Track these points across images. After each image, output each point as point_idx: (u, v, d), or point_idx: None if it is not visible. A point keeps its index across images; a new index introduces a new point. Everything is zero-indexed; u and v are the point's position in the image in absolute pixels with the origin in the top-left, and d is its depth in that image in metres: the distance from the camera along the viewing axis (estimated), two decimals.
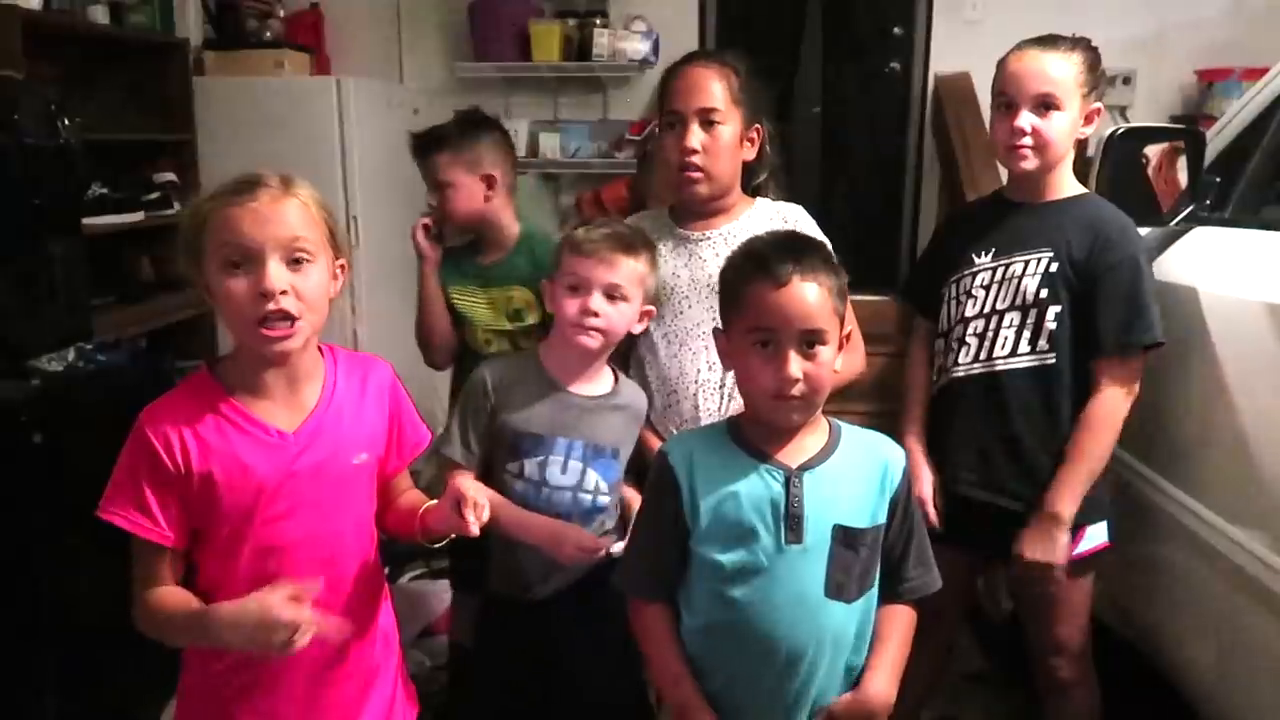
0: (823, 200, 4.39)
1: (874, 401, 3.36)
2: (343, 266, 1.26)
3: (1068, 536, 1.62)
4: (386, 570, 1.45)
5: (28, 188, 2.20)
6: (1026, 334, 1.66)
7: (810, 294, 1.21)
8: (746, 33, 4.25)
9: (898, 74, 4.31)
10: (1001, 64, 1.68)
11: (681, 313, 1.73)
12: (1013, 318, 1.67)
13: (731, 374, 1.52)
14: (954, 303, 1.75)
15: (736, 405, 1.59)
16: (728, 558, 1.24)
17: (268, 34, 3.85)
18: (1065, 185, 1.71)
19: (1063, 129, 1.64)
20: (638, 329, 1.63)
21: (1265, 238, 1.70)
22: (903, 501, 1.30)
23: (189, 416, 1.19)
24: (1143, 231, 1.73)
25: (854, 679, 1.30)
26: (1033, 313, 1.66)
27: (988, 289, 1.70)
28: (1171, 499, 1.74)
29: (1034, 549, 1.62)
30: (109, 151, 3.07)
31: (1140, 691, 1.91)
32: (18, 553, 1.96)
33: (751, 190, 1.81)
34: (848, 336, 1.27)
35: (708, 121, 1.68)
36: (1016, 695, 2.26)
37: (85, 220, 2.58)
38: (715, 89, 1.69)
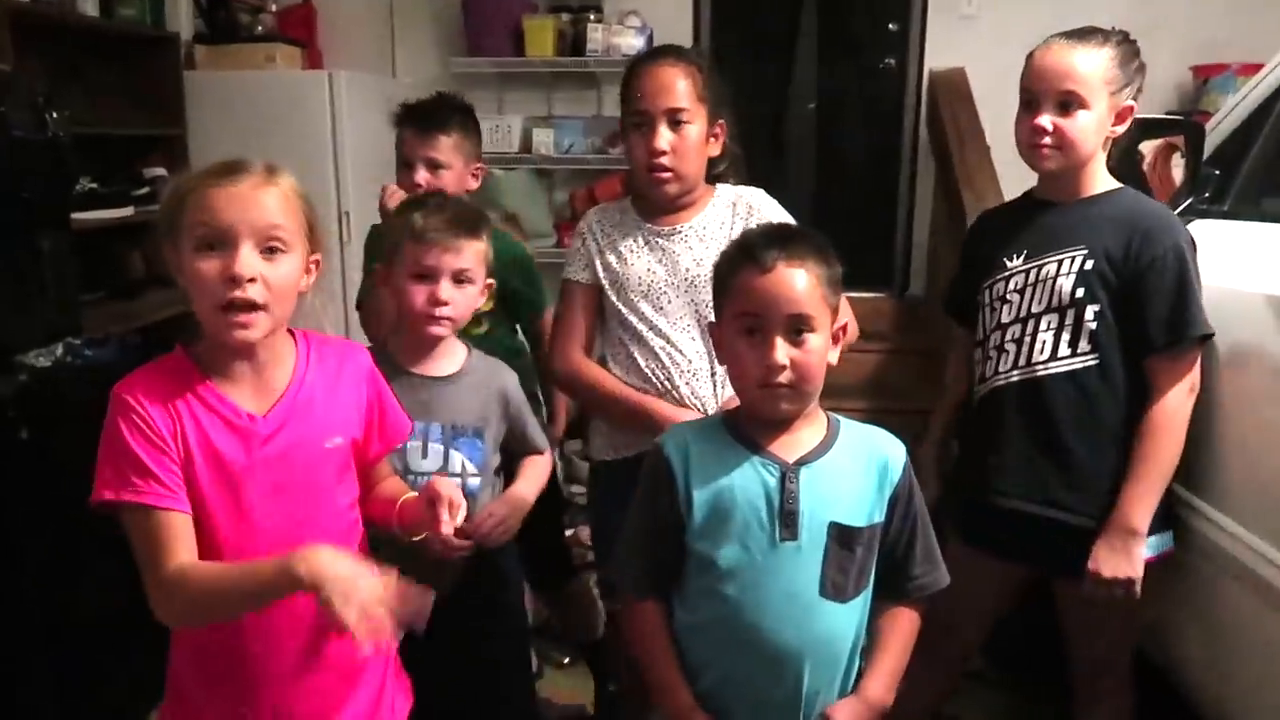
0: (818, 196, 4.39)
1: (870, 398, 3.37)
2: (316, 262, 1.24)
3: (1144, 549, 1.56)
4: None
5: (15, 182, 2.17)
6: (1066, 336, 1.60)
7: (796, 280, 1.21)
8: (741, 28, 4.25)
9: (893, 70, 4.30)
10: (1029, 58, 1.62)
11: (662, 307, 1.74)
12: (1050, 320, 1.61)
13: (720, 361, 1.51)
14: (989, 309, 1.70)
15: (730, 391, 1.63)
16: (721, 553, 1.23)
17: (259, 28, 3.84)
18: (1098, 182, 1.64)
19: (1087, 127, 1.57)
20: (481, 304, 1.64)
21: (1265, 230, 1.70)
22: (904, 498, 1.28)
23: (164, 393, 1.16)
24: None
25: (854, 683, 1.29)
26: (1070, 313, 1.59)
27: (1022, 292, 1.64)
28: (1173, 496, 1.72)
29: (1112, 566, 1.55)
30: (99, 146, 3.04)
31: (1146, 697, 1.90)
32: (5, 550, 1.93)
33: (712, 179, 1.81)
34: (843, 328, 1.27)
35: (675, 121, 1.68)
36: (1015, 693, 2.25)
37: (74, 215, 2.55)
38: (681, 88, 1.68)
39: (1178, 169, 1.97)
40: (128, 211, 3.03)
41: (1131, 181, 1.78)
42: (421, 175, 1.93)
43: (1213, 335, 1.56)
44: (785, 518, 1.22)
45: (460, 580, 1.50)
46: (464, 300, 1.55)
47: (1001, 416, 1.66)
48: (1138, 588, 1.55)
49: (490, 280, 1.61)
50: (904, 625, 1.32)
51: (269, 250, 1.16)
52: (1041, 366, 1.62)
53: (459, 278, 1.53)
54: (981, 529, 1.67)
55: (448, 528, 1.21)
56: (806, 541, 1.22)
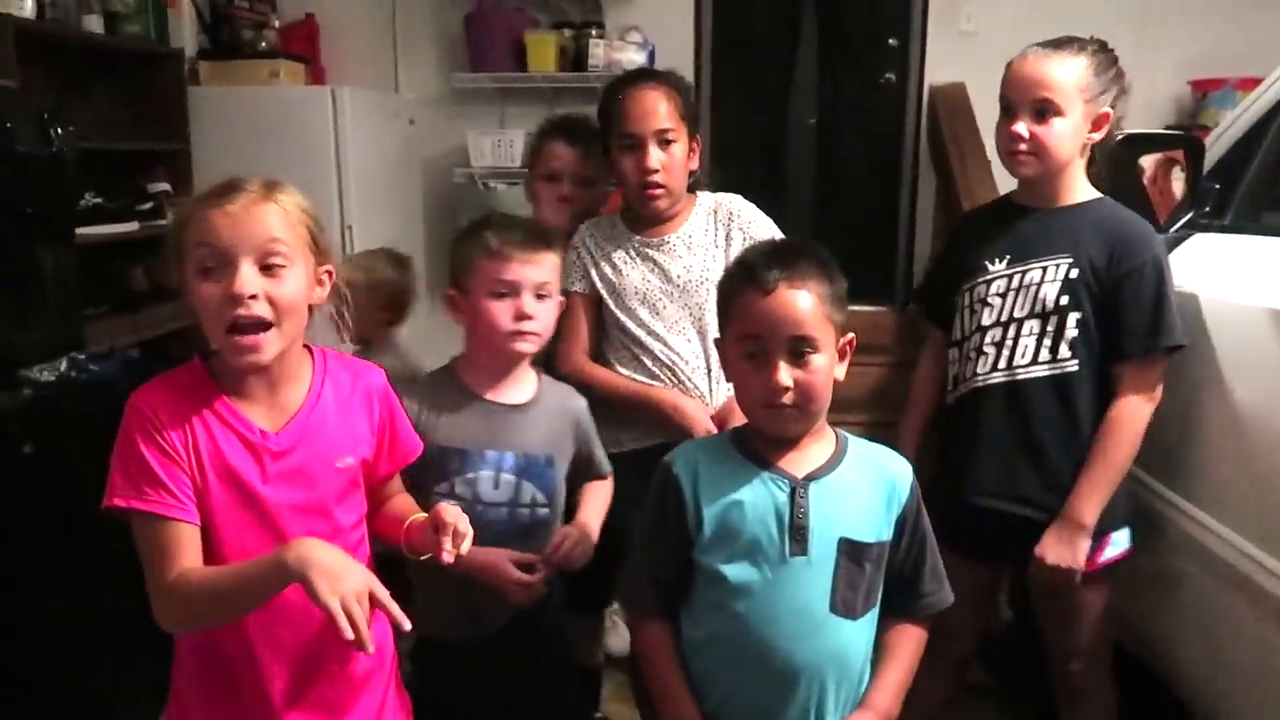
0: (818, 210, 4.40)
1: (872, 412, 3.36)
2: (328, 272, 1.24)
3: (1089, 543, 1.61)
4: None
5: (20, 196, 2.18)
6: (1047, 342, 1.63)
7: (798, 301, 1.20)
8: (742, 43, 4.26)
9: (893, 84, 4.31)
10: (1007, 67, 1.67)
11: (659, 312, 1.84)
12: (1032, 325, 1.64)
13: (717, 357, 1.55)
14: (968, 311, 1.72)
15: (728, 387, 1.71)
16: (730, 568, 1.22)
17: (263, 44, 3.85)
18: (1077, 190, 1.68)
19: (1063, 134, 1.61)
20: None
21: (1265, 244, 1.70)
22: (911, 518, 1.28)
23: (179, 405, 1.17)
24: None
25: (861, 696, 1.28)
26: (1053, 320, 1.63)
27: (1004, 296, 1.67)
28: (1173, 506, 1.73)
29: (1056, 554, 1.60)
30: (103, 161, 3.06)
31: (1144, 701, 1.89)
32: (8, 562, 1.93)
33: (688, 188, 1.90)
34: (850, 342, 1.26)
35: (664, 141, 1.79)
36: (1017, 708, 2.24)
37: (78, 230, 2.57)
38: (664, 110, 1.80)
39: (1178, 183, 1.98)
40: (131, 226, 3.04)
41: (1131, 195, 1.79)
42: (571, 189, 1.96)
43: (1185, 346, 1.60)
44: (795, 533, 1.21)
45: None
46: (546, 315, 1.50)
47: (980, 417, 1.69)
48: (1078, 578, 1.61)
49: (562, 297, 1.58)
50: (911, 640, 1.31)
51: (270, 266, 1.15)
52: (1023, 370, 1.65)
53: (539, 292, 1.48)
54: (957, 530, 1.69)
55: (449, 556, 1.20)
56: (816, 556, 1.22)
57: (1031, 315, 1.65)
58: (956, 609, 1.33)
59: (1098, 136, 1.66)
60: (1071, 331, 1.62)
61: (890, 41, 4.31)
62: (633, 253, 1.87)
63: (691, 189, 1.91)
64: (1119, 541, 1.66)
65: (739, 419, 1.38)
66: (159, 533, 1.13)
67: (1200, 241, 1.83)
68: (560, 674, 1.66)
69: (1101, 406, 1.63)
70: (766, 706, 1.24)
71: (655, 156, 1.78)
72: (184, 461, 1.15)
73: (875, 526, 1.25)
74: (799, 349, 1.20)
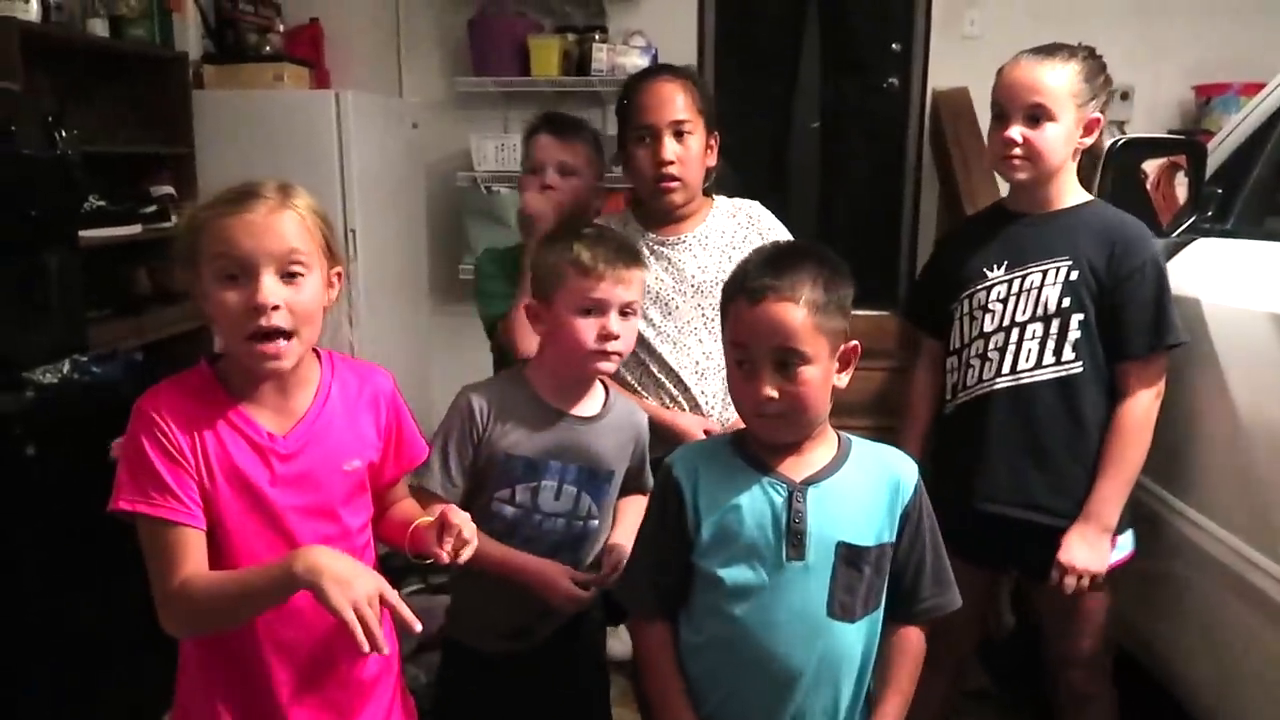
0: (821, 215, 4.40)
1: (874, 416, 3.36)
2: (339, 274, 1.25)
3: (1109, 546, 1.62)
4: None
5: (24, 199, 2.19)
6: (1051, 344, 1.64)
7: (785, 313, 1.17)
8: (744, 47, 4.26)
9: (896, 89, 4.31)
10: (998, 73, 1.69)
11: (671, 313, 1.80)
12: (1035, 329, 1.65)
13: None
14: (967, 319, 1.73)
15: None
16: (728, 572, 1.22)
17: (267, 48, 3.86)
18: (1069, 194, 1.70)
19: (1055, 139, 1.63)
20: None
21: (1268, 248, 1.70)
22: (915, 518, 1.27)
23: (187, 409, 1.17)
24: None
25: (862, 705, 1.28)
26: (1055, 323, 1.64)
27: (1005, 302, 1.68)
28: (1174, 510, 1.73)
29: (1083, 558, 1.60)
30: (107, 164, 3.06)
31: (1145, 705, 1.89)
32: (10, 566, 1.93)
33: (704, 192, 1.88)
34: (853, 350, 1.25)
35: (679, 133, 1.76)
36: (1019, 712, 2.24)
37: (82, 233, 2.58)
38: (680, 101, 1.77)
39: (1181, 188, 1.98)
40: (135, 229, 3.04)
41: (1133, 200, 1.80)
42: (552, 176, 1.88)
43: (1187, 343, 1.62)
44: (792, 537, 1.21)
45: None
46: (630, 333, 1.47)
47: (985, 423, 1.69)
48: (1101, 581, 1.62)
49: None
50: (912, 650, 1.30)
51: (290, 275, 1.16)
52: (1027, 374, 1.66)
53: (625, 310, 1.45)
54: (959, 535, 1.68)
55: (445, 558, 1.20)
56: (814, 561, 1.21)
57: (1034, 319, 1.65)
58: (957, 612, 1.33)
59: (1089, 141, 1.68)
60: (1074, 333, 1.63)
61: (893, 46, 4.31)
62: (646, 251, 1.80)
63: (708, 192, 1.88)
64: (1124, 545, 1.67)
65: None
66: (164, 537, 1.14)
67: (1203, 246, 1.83)
68: (597, 686, 1.66)
69: (1104, 407, 1.63)
70: (765, 709, 1.23)
71: (670, 148, 1.75)
72: (190, 466, 1.15)
73: (876, 529, 1.25)
74: (785, 361, 1.18)
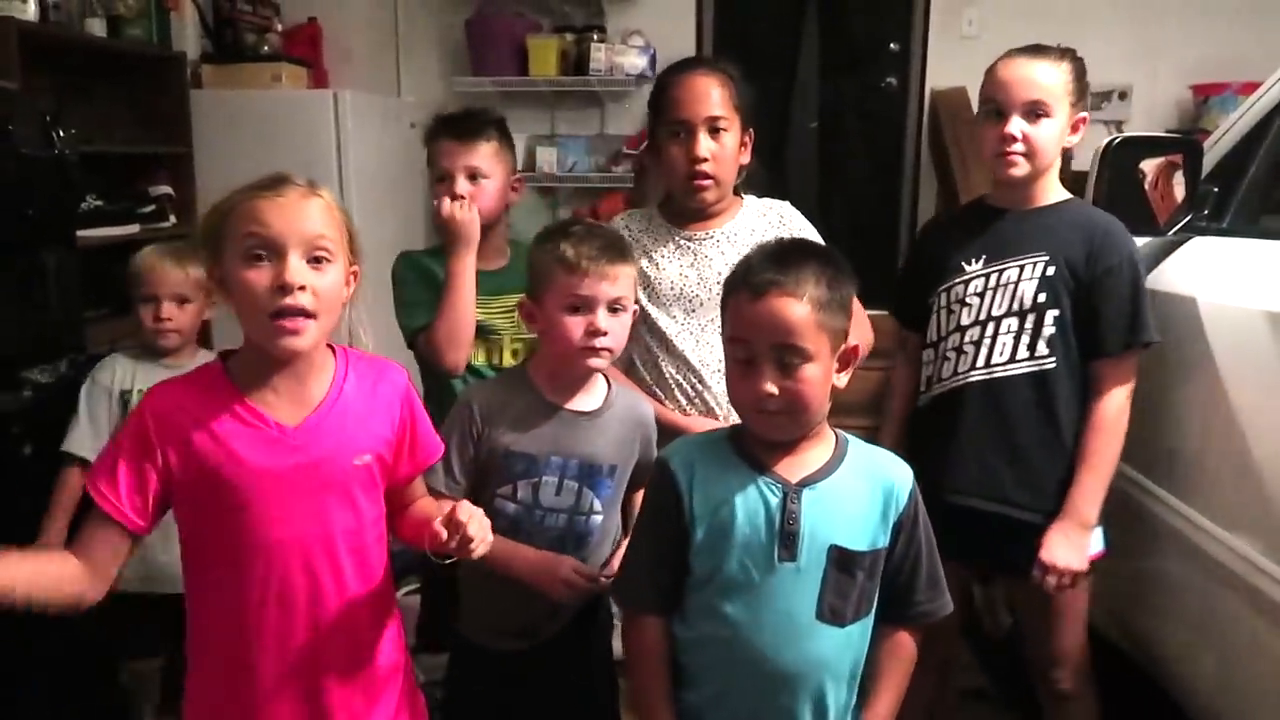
0: (819, 214, 4.39)
1: (873, 416, 3.35)
2: (355, 273, 1.26)
3: (1089, 543, 1.62)
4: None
5: (22, 198, 2.19)
6: (1025, 339, 1.65)
7: (788, 309, 1.16)
8: (743, 47, 4.28)
9: (894, 89, 4.33)
10: (990, 71, 1.68)
11: (694, 310, 1.78)
12: (1010, 323, 1.66)
13: None
14: (945, 312, 1.73)
15: None
16: (720, 571, 1.22)
17: (265, 48, 3.87)
18: (1051, 191, 1.71)
19: (1052, 136, 1.64)
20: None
21: (1263, 247, 1.70)
22: (909, 524, 1.26)
23: (190, 402, 1.18)
24: (1140, 242, 1.73)
25: (853, 708, 1.27)
26: (1030, 317, 1.65)
27: (982, 296, 1.68)
28: (1171, 508, 1.73)
29: (1065, 556, 1.60)
30: (105, 164, 3.07)
31: (1136, 701, 1.89)
32: None
33: (734, 190, 1.85)
34: (853, 350, 1.24)
35: (714, 129, 1.72)
36: (1015, 712, 2.24)
37: (80, 232, 2.57)
38: (717, 97, 1.72)
39: (1179, 187, 1.98)
40: (133, 229, 3.05)
41: (1129, 198, 1.80)
42: (462, 185, 1.78)
43: (1159, 342, 1.63)
44: (785, 538, 1.20)
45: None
46: (620, 329, 1.47)
47: (958, 416, 1.69)
48: (1081, 578, 1.62)
49: (635, 306, 1.53)
50: (904, 653, 1.30)
51: (315, 260, 1.17)
52: (1000, 368, 1.66)
53: (614, 306, 1.45)
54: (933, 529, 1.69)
55: (444, 536, 1.18)
56: (805, 563, 1.20)
57: (1010, 313, 1.66)
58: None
59: (1075, 140, 1.69)
60: (1049, 329, 1.64)
61: (892, 46, 4.32)
62: (673, 247, 1.79)
63: (738, 190, 1.84)
64: (1097, 541, 1.67)
65: None
66: (92, 519, 1.17)
67: (1199, 244, 1.83)
68: (607, 685, 1.65)
69: (1077, 403, 1.64)
70: (752, 707, 1.23)
71: (705, 145, 1.71)
72: (158, 468, 1.16)
73: (870, 534, 1.24)
74: (786, 358, 1.17)
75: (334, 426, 1.23)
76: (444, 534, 1.18)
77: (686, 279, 1.77)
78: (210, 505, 1.18)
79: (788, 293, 1.17)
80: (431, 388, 1.79)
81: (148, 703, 2.05)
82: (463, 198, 1.76)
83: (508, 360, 1.83)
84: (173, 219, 3.23)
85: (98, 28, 3.21)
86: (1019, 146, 1.63)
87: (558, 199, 4.34)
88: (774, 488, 1.22)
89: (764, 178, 1.91)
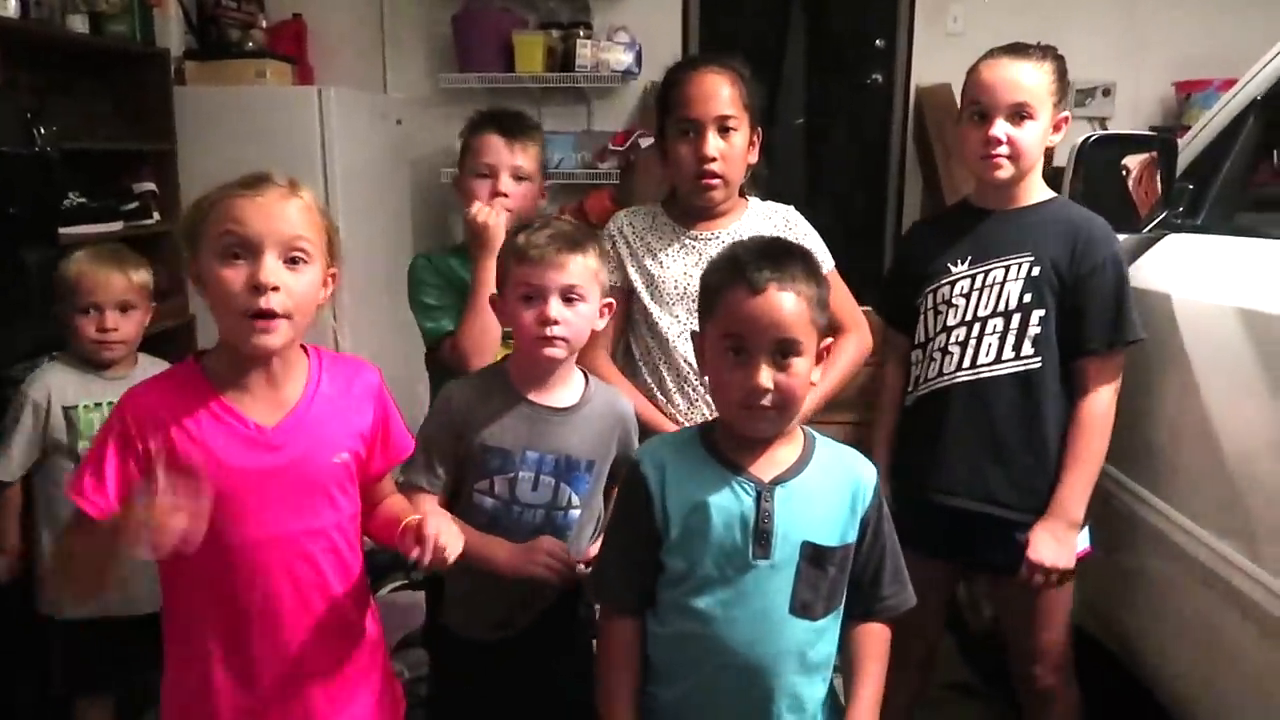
0: (805, 210, 4.40)
1: (859, 411, 3.36)
2: (333, 275, 1.26)
3: (1076, 540, 1.63)
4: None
5: (3, 196, 2.18)
6: (1010, 339, 1.65)
7: (786, 303, 1.19)
8: (729, 44, 4.27)
9: (880, 85, 4.34)
10: (973, 73, 1.69)
11: (697, 311, 1.76)
12: (996, 324, 1.66)
13: None
14: (932, 313, 1.74)
15: None
16: (695, 569, 1.23)
17: (250, 44, 3.85)
18: (1035, 191, 1.71)
19: (1036, 138, 1.64)
20: (599, 325, 1.54)
21: (1237, 244, 1.72)
22: (874, 521, 1.28)
23: (167, 403, 1.19)
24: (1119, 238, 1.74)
25: (827, 700, 1.29)
26: (1016, 318, 1.65)
27: (968, 296, 1.69)
28: (1147, 504, 1.74)
29: (1053, 554, 1.61)
30: (88, 161, 3.05)
31: (1119, 699, 1.91)
32: None
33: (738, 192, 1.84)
34: (827, 348, 1.26)
35: (724, 128, 1.71)
36: (998, 706, 2.25)
37: (62, 230, 2.56)
38: (727, 95, 1.71)
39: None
40: (116, 226, 3.03)
41: (1106, 196, 1.81)
42: (507, 183, 1.79)
43: (1144, 339, 1.64)
44: (760, 537, 1.21)
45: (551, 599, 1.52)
46: (576, 319, 1.46)
47: (944, 416, 1.70)
48: (1070, 577, 1.64)
49: (610, 300, 1.54)
50: (878, 645, 1.31)
51: (291, 260, 1.18)
52: (986, 368, 1.67)
53: (568, 295, 1.45)
54: (916, 528, 1.70)
55: (424, 559, 1.21)
56: (779, 560, 1.22)
57: (995, 314, 1.67)
58: (918, 607, 1.34)
59: (1057, 139, 1.70)
60: (1034, 329, 1.64)
61: (877, 42, 4.33)
62: (678, 247, 1.78)
63: (742, 190, 1.84)
64: (1083, 539, 1.68)
65: None
66: (83, 529, 1.17)
67: (1173, 242, 1.84)
68: (592, 673, 1.67)
69: (1062, 403, 1.65)
70: (726, 703, 1.24)
71: (714, 144, 1.70)
72: (148, 462, 1.16)
73: (840, 530, 1.25)
74: (783, 351, 1.19)
75: (312, 426, 1.24)
76: (415, 551, 1.20)
77: (691, 279, 1.75)
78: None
79: (787, 288, 1.19)
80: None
81: None
82: (504, 194, 1.78)
83: None
84: (156, 216, 3.21)
85: (80, 24, 3.18)
86: (1004, 149, 1.63)
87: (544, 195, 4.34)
88: (747, 487, 1.23)
89: (767, 177, 1.90)
